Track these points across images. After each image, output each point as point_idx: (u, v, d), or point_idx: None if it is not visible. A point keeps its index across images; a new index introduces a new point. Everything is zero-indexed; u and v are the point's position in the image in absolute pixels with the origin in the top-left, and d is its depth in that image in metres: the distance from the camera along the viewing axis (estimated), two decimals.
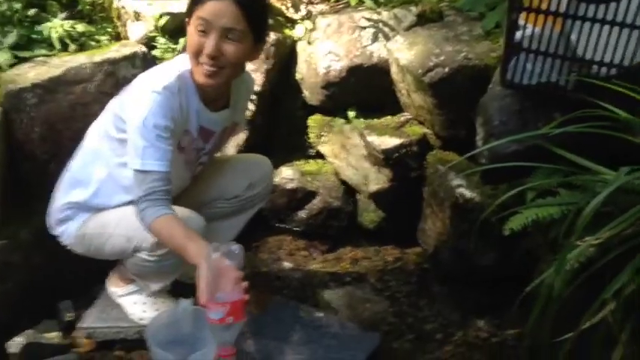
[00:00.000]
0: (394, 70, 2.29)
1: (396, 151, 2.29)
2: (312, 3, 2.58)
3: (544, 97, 1.84)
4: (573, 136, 1.63)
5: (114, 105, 1.76)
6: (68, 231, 1.83)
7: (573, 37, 1.72)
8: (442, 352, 1.94)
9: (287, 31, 2.51)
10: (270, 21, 2.14)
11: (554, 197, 1.72)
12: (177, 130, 1.67)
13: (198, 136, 1.77)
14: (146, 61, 2.25)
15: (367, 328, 1.98)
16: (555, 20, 1.72)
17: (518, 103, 1.88)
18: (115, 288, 1.95)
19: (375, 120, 2.41)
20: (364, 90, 2.39)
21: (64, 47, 2.25)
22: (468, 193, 2.05)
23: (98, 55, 2.19)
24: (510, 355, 1.92)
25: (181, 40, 2.33)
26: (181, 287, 1.90)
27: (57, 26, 2.24)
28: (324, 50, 2.38)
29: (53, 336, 1.92)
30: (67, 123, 2.10)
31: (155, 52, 2.31)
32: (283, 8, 2.56)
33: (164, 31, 2.33)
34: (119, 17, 2.42)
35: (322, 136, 2.52)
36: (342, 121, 2.44)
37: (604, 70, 1.71)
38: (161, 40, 2.32)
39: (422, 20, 2.36)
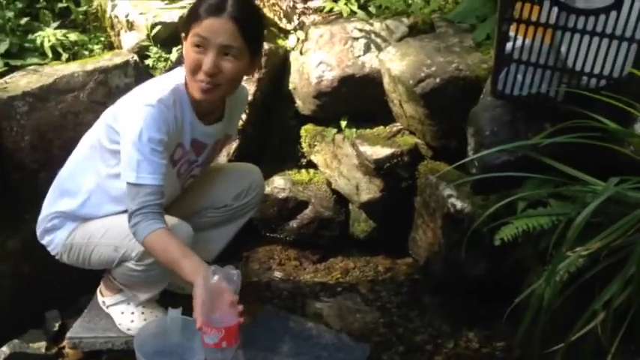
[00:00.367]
0: (386, 81, 2.29)
1: (388, 161, 2.30)
2: (304, 14, 2.59)
3: (535, 107, 1.85)
4: (563, 147, 1.63)
5: (107, 116, 1.75)
6: (56, 240, 1.82)
7: (563, 48, 1.73)
8: None
9: (280, 42, 2.52)
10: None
11: (545, 208, 1.73)
12: (171, 143, 1.67)
13: (190, 148, 1.77)
14: (138, 70, 2.25)
15: (357, 339, 1.97)
16: (545, 32, 1.73)
17: (510, 114, 1.89)
18: (104, 298, 1.94)
19: (367, 130, 2.41)
20: (356, 100, 2.39)
21: (57, 56, 2.25)
22: (459, 204, 2.04)
23: (90, 64, 2.19)
24: None
25: (174, 50, 2.33)
26: (170, 297, 1.89)
27: (49, 35, 2.25)
28: (316, 60, 2.38)
29: (39, 346, 1.90)
30: (58, 132, 2.10)
31: (148, 62, 2.32)
32: (276, 19, 2.57)
33: (157, 40, 2.34)
34: (112, 27, 2.42)
35: (314, 145, 2.52)
36: (334, 130, 2.44)
37: (594, 81, 1.72)
38: (154, 50, 2.33)
39: (414, 31, 2.38)
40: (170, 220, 1.69)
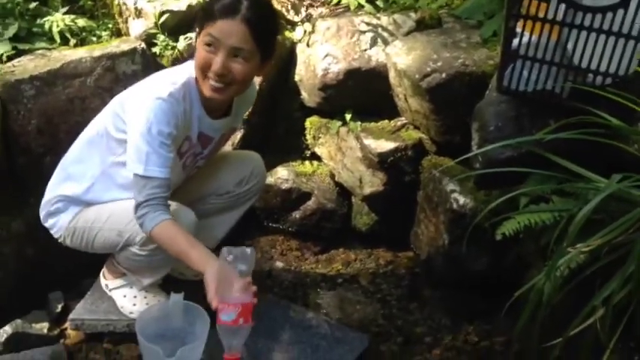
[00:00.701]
0: (392, 75, 2.30)
1: (391, 154, 2.30)
2: (312, 6, 2.60)
3: (540, 104, 1.85)
4: (567, 143, 1.64)
5: (115, 104, 1.76)
6: (59, 223, 1.83)
7: (570, 45, 1.73)
8: (431, 355, 1.95)
9: (287, 33, 2.52)
10: None
11: (547, 204, 1.73)
12: (179, 136, 1.68)
13: (197, 141, 1.78)
14: (145, 57, 2.26)
15: (357, 330, 1.98)
16: (552, 28, 1.73)
17: (515, 110, 1.90)
18: (106, 281, 1.95)
19: (372, 123, 2.42)
20: (362, 93, 2.40)
21: (65, 41, 2.26)
22: (461, 199, 2.05)
23: (98, 50, 2.20)
24: (499, 359, 1.92)
25: (181, 39, 2.34)
26: (173, 282, 1.90)
27: (58, 20, 2.26)
28: (322, 53, 2.39)
29: (42, 326, 1.92)
30: (64, 116, 2.11)
31: (155, 49, 2.33)
32: (283, 10, 2.57)
33: (164, 28, 2.34)
34: (120, 13, 2.43)
35: (318, 137, 2.53)
36: (338, 123, 2.45)
37: (599, 79, 1.72)
38: (161, 38, 2.34)
39: (421, 26, 2.38)
40: (174, 206, 1.71)
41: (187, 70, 1.70)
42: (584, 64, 1.73)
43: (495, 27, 2.21)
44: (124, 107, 1.71)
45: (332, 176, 2.54)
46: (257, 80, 2.36)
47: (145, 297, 1.89)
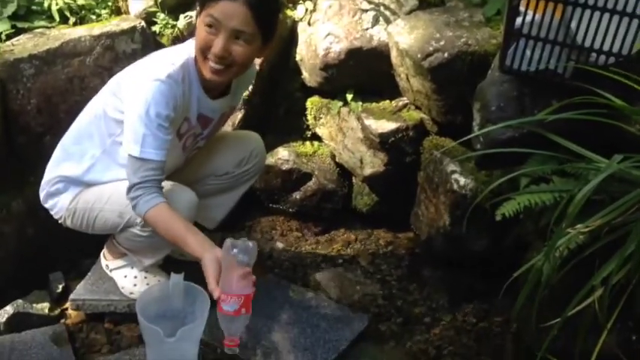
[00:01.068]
0: (394, 54, 2.28)
1: (392, 135, 2.29)
2: None
3: (542, 83, 1.83)
4: (569, 124, 1.62)
5: (112, 84, 1.75)
6: (59, 204, 1.83)
7: (573, 24, 1.70)
8: (429, 335, 1.96)
9: (288, 12, 2.49)
10: None
11: (548, 184, 1.72)
12: (177, 118, 1.67)
13: (197, 123, 1.77)
14: (145, 36, 2.25)
15: (356, 310, 1.99)
16: (556, 7, 1.70)
17: (517, 90, 1.87)
18: (107, 261, 1.96)
19: (373, 104, 2.40)
20: (363, 73, 2.38)
21: (64, 20, 2.24)
22: (462, 180, 2.05)
23: (97, 29, 2.18)
24: (497, 339, 1.93)
25: (181, 17, 2.32)
26: (173, 263, 1.90)
27: None
28: (324, 32, 2.37)
29: (42, 306, 1.93)
30: (64, 96, 2.10)
31: (155, 28, 2.31)
32: None
33: (164, 7, 2.32)
34: None
35: (319, 118, 2.52)
36: (339, 103, 2.44)
37: (602, 58, 1.70)
38: (161, 16, 2.31)
39: (423, 5, 2.35)
40: (174, 186, 1.71)
41: (186, 50, 1.68)
42: (587, 43, 1.70)
43: (499, 5, 2.18)
44: (121, 87, 1.70)
45: (333, 157, 2.53)
46: (257, 60, 2.35)
47: (146, 277, 1.90)
